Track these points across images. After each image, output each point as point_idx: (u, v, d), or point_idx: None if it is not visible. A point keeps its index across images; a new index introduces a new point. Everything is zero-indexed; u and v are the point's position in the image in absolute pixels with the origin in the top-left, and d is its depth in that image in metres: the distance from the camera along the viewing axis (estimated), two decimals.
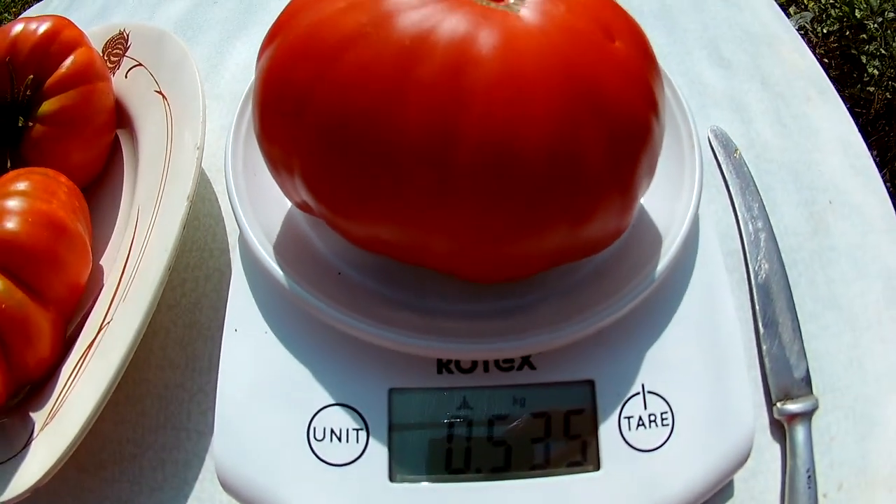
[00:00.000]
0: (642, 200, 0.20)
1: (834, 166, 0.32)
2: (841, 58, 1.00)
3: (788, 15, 1.07)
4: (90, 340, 0.23)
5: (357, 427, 0.19)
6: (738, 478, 0.22)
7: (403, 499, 0.18)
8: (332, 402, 0.19)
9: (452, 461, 0.19)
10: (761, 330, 0.24)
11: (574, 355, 0.19)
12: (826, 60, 0.99)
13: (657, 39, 0.36)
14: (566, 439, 0.19)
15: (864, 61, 0.95)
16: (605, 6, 0.17)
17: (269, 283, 0.20)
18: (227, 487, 0.20)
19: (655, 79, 0.17)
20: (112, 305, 0.22)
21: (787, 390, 0.23)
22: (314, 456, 0.19)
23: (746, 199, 0.27)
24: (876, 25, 0.96)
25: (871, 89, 0.94)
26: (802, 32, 1.04)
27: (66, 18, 0.30)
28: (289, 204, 0.22)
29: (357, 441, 0.19)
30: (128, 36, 0.33)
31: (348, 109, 0.14)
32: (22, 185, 0.26)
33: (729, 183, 0.28)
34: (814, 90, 0.35)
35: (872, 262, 0.29)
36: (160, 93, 0.28)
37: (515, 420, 0.19)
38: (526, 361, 0.19)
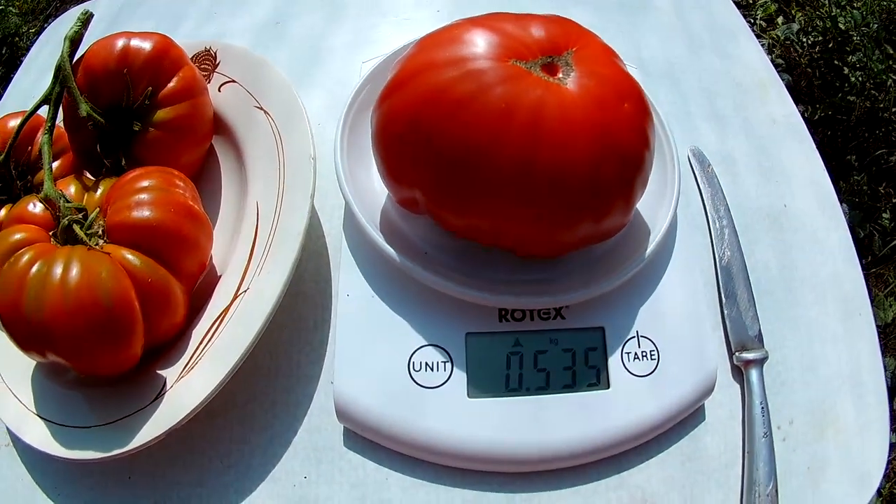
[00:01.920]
0: (638, 205, 0.31)
1: (791, 177, 0.42)
2: (825, 67, 1.13)
3: (775, 26, 1.21)
4: (224, 307, 0.31)
5: (444, 360, 0.30)
6: (709, 406, 0.32)
7: (477, 410, 0.29)
8: (426, 343, 0.30)
9: (509, 383, 0.29)
10: (724, 299, 0.35)
11: (590, 309, 0.30)
12: (810, 70, 1.13)
13: (662, 94, 0.44)
14: (586, 367, 0.30)
15: (847, 71, 1.06)
16: (619, 77, 0.28)
17: (374, 257, 0.31)
18: (343, 415, 0.30)
19: (649, 126, 0.28)
20: (245, 278, 0.31)
21: (743, 343, 0.34)
22: (414, 383, 0.29)
23: (715, 203, 0.38)
24: (859, 38, 1.07)
25: (853, 98, 1.06)
26: (788, 43, 1.18)
27: (168, 37, 0.37)
28: (381, 202, 0.33)
29: (444, 370, 0.29)
30: (215, 54, 0.41)
31: (464, 148, 0.25)
32: (152, 181, 0.32)
33: (702, 191, 0.39)
34: (782, 118, 0.45)
35: (823, 250, 0.39)
36: (261, 109, 0.36)
37: (552, 354, 0.30)
38: (558, 313, 0.30)
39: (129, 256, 0.30)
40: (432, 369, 0.29)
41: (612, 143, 0.26)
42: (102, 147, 0.36)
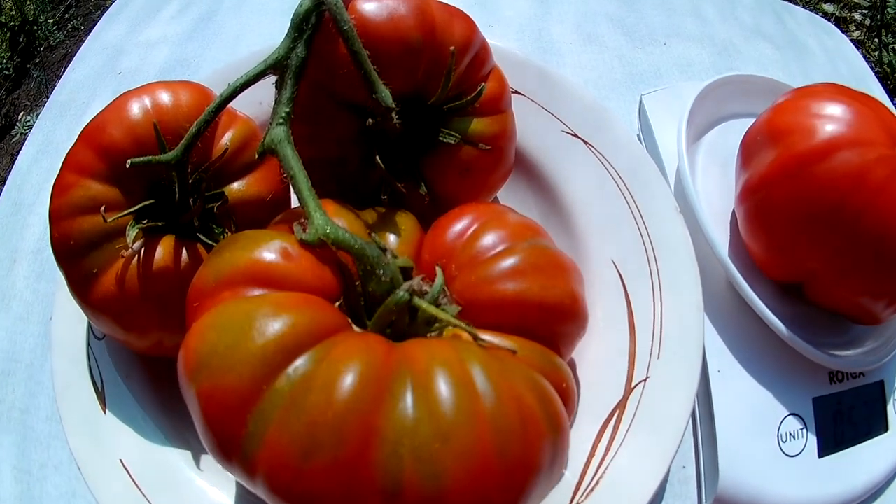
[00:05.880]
0: None
1: None
2: None
3: None
4: (616, 402, 0.29)
5: (801, 427, 0.34)
6: None
7: (827, 467, 0.35)
8: (787, 413, 0.34)
9: (836, 437, 0.36)
10: None
11: (876, 369, 0.38)
12: None
13: None
14: (875, 416, 0.38)
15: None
16: None
17: (747, 334, 0.33)
18: (723, 497, 0.32)
19: None
20: (634, 364, 0.30)
21: None
22: (783, 453, 0.33)
23: None
24: None
25: None
26: None
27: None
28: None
29: (802, 437, 0.34)
30: None
31: (880, 230, 0.30)
32: (511, 231, 0.25)
33: None
34: None
35: None
36: (577, 136, 0.32)
37: (857, 408, 0.37)
38: (861, 373, 0.38)
39: (530, 354, 0.24)
40: (794, 437, 0.34)
41: None
42: (385, 161, 0.27)
